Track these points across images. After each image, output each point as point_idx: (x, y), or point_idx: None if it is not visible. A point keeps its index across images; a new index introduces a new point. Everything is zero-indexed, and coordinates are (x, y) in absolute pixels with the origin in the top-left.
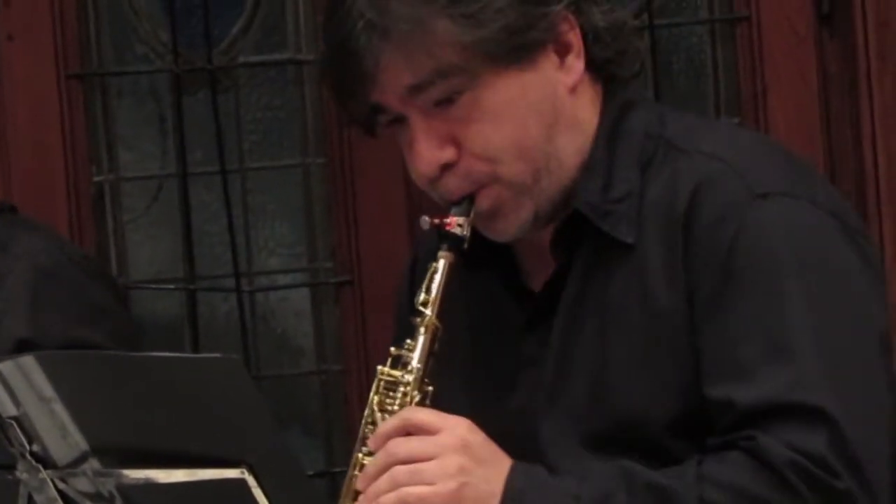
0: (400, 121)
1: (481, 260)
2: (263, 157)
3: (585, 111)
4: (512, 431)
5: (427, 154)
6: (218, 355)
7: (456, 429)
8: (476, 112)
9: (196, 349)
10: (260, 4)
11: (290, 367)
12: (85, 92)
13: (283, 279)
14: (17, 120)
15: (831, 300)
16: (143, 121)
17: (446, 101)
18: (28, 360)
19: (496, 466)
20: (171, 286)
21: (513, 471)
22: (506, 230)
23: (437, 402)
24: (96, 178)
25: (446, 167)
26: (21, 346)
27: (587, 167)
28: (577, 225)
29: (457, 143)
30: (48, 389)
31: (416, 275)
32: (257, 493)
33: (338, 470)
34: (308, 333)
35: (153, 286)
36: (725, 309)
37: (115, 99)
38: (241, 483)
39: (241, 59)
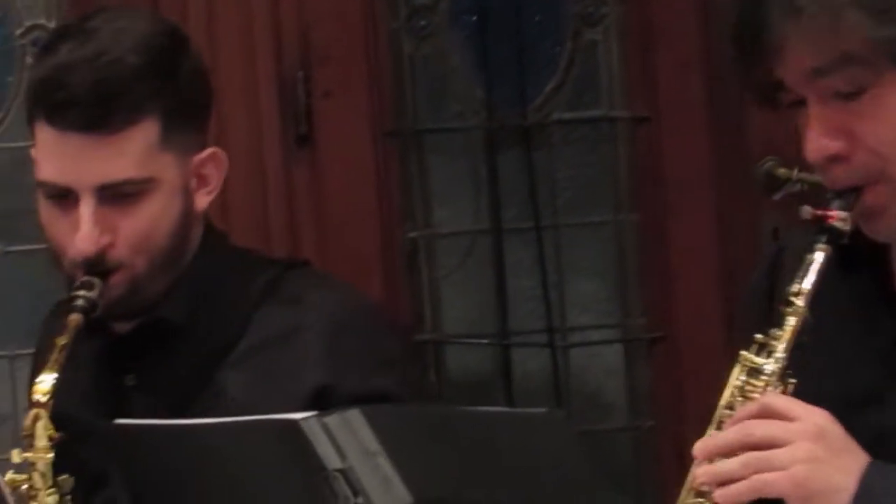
0: (801, 103)
1: (855, 261)
2: (576, 214)
3: None
4: (879, 445)
5: (817, 142)
6: (542, 410)
7: (813, 417)
8: (876, 109)
9: (509, 404)
10: (574, 62)
11: (601, 422)
12: (399, 149)
13: (595, 335)
14: (332, 176)
15: None
16: (456, 177)
17: (847, 95)
18: (354, 414)
19: (851, 460)
20: (485, 341)
21: (871, 467)
22: (886, 229)
23: (798, 396)
24: (410, 234)
25: (836, 157)
26: (321, 393)
27: None
28: None
29: (851, 136)
30: (373, 443)
31: (779, 266)
32: None
33: None
34: (620, 389)
35: (467, 341)
36: None
37: (429, 156)
38: None
39: (555, 117)
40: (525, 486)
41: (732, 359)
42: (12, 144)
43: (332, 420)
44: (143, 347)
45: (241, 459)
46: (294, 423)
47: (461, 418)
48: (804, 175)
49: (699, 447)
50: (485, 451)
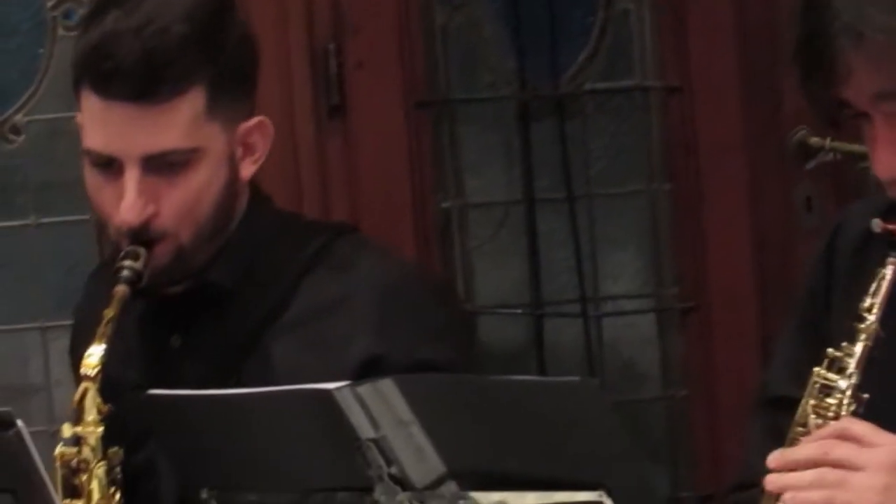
0: (865, 115)
1: None
2: (609, 184)
3: None
4: None
5: (886, 160)
6: (575, 378)
7: (891, 447)
8: None
9: (542, 374)
10: (606, 32)
11: (634, 392)
12: (432, 119)
13: (628, 305)
14: (364, 147)
15: None
16: (489, 148)
17: None
18: (387, 383)
19: None
20: (518, 311)
21: None
22: None
23: (871, 410)
24: (443, 205)
25: None
26: (371, 363)
27: None
28: None
29: None
30: (406, 413)
31: (836, 244)
32: None
33: (684, 495)
34: (653, 359)
35: (500, 311)
36: None
37: (461, 126)
38: None
39: (588, 87)
40: (558, 454)
41: (765, 330)
42: (44, 116)
43: (365, 390)
44: (190, 310)
45: (274, 429)
46: (327, 392)
47: (495, 387)
48: (837, 144)
49: (775, 457)
50: (518, 419)
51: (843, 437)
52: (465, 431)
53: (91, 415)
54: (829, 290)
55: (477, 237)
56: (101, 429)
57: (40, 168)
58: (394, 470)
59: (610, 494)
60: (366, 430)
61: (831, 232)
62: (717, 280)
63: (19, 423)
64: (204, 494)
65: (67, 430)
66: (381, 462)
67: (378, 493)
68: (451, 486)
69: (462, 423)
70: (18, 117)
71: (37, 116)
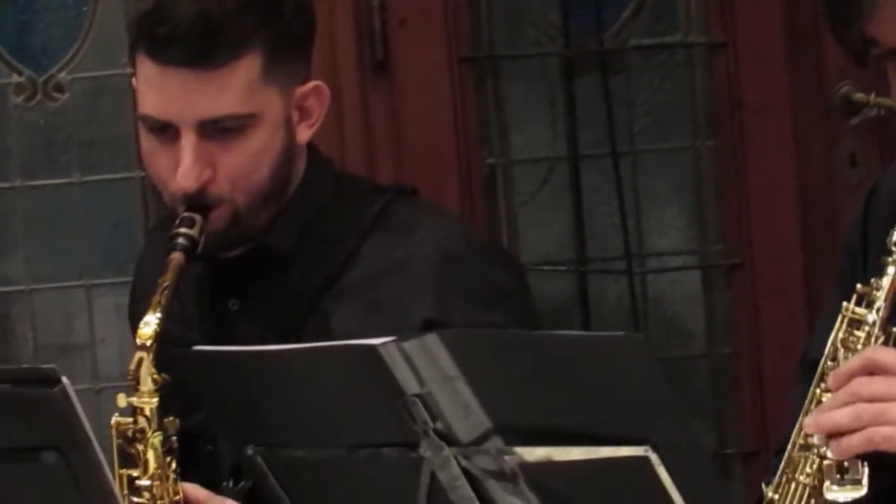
0: (892, 53)
1: None
2: (654, 140)
3: None
4: None
5: None
6: (622, 333)
7: None
8: None
9: (587, 330)
10: None
11: (679, 349)
12: (476, 75)
13: (673, 261)
14: (409, 104)
15: None
16: (534, 104)
17: None
18: (432, 339)
19: None
20: (563, 268)
21: None
22: None
23: None
24: (488, 161)
25: None
26: (427, 325)
27: None
28: None
29: None
30: (452, 368)
31: (871, 207)
32: (661, 471)
33: (728, 451)
34: (698, 316)
35: (544, 268)
36: None
37: (506, 82)
38: (644, 461)
39: (632, 43)
40: (604, 410)
41: (809, 286)
42: (88, 74)
43: (411, 345)
44: (248, 273)
45: (320, 385)
46: (372, 348)
47: (540, 342)
48: (881, 100)
49: (817, 412)
50: (563, 374)
51: (869, 367)
52: (510, 387)
53: (146, 385)
54: (867, 252)
55: (521, 193)
56: (156, 399)
57: (84, 126)
58: (439, 425)
59: (655, 450)
60: (411, 386)
61: (867, 194)
62: (762, 236)
63: (64, 380)
64: (249, 451)
65: (122, 401)
66: (427, 417)
67: (423, 449)
68: (496, 442)
69: (507, 378)
70: (62, 75)
71: (81, 74)
